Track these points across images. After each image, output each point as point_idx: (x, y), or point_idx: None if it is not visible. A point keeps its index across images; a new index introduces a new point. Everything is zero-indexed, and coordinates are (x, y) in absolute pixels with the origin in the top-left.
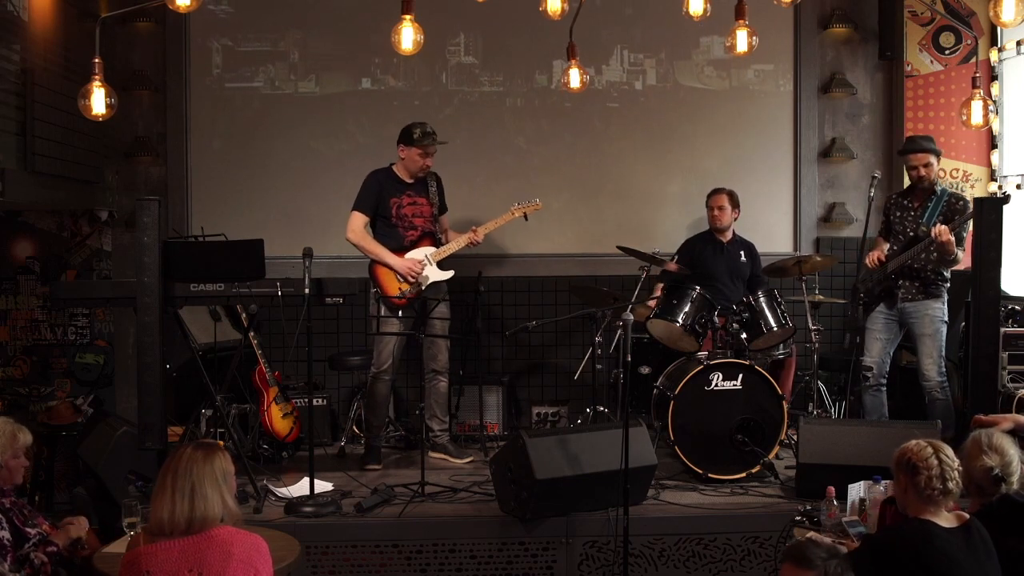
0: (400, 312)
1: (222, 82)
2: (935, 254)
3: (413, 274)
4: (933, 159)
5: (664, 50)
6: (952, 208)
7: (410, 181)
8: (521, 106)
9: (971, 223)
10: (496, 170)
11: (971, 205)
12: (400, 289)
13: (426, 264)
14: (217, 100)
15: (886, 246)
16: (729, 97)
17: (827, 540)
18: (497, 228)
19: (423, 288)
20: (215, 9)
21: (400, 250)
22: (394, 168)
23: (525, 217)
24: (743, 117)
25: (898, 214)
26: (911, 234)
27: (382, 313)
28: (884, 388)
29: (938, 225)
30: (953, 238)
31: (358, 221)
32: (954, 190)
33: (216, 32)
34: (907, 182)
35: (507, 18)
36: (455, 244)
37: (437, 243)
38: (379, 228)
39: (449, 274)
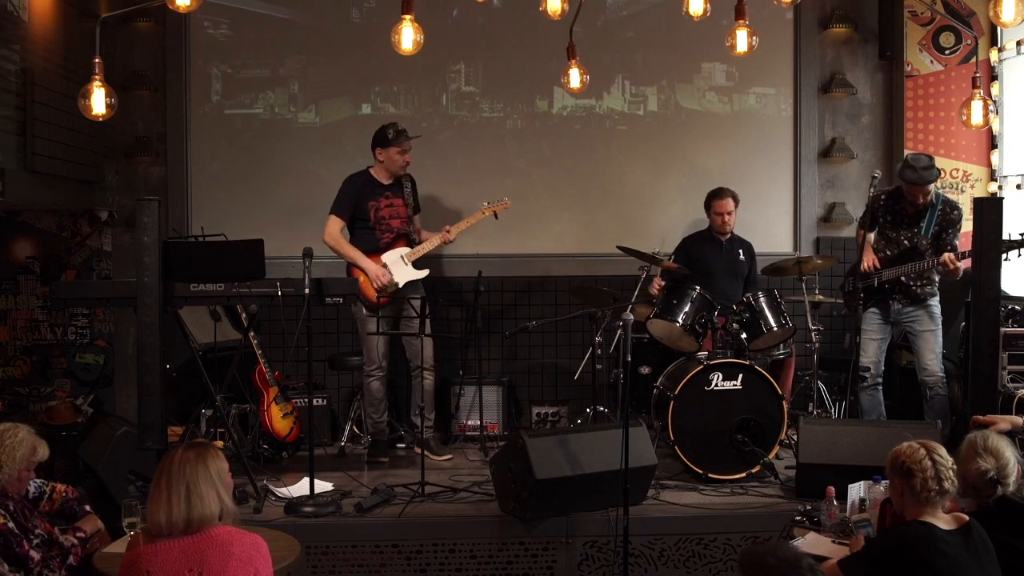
0: (380, 312)
1: (221, 108)
2: (940, 271)
3: (380, 284)
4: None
5: (665, 77)
6: (946, 217)
7: (387, 183)
8: (522, 128)
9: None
10: (496, 191)
11: (963, 213)
12: (375, 285)
13: (401, 264)
14: (216, 125)
15: (872, 236)
16: (730, 118)
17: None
18: (469, 227)
19: (400, 287)
20: (214, 33)
21: (375, 252)
22: (371, 171)
23: (495, 215)
24: (743, 119)
25: (889, 218)
26: (906, 243)
27: (364, 313)
28: (880, 387)
29: (946, 254)
30: (960, 266)
31: (335, 225)
32: (947, 194)
33: (216, 58)
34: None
35: (507, 45)
36: (429, 244)
37: (412, 243)
38: (356, 231)
39: (424, 273)
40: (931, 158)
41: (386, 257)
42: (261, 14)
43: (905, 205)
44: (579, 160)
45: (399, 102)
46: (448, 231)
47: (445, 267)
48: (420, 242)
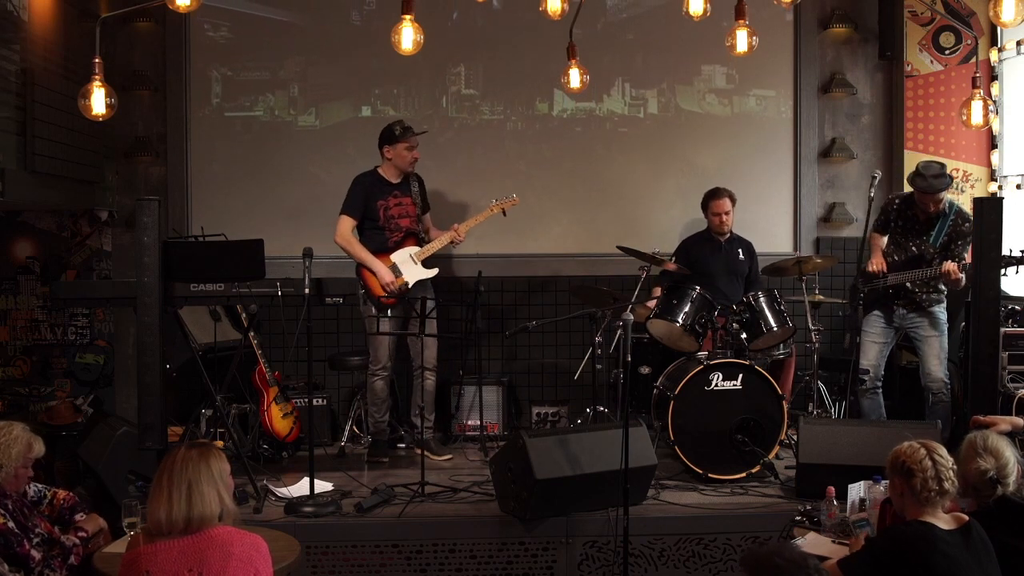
0: (389, 311)
1: (221, 111)
2: (943, 280)
3: (390, 288)
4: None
5: (665, 80)
6: (957, 229)
7: (396, 182)
8: (522, 130)
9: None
10: (497, 192)
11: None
12: (385, 289)
13: (410, 263)
14: (216, 126)
15: (883, 240)
16: (730, 120)
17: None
18: (478, 224)
19: (409, 287)
20: (214, 35)
21: (384, 251)
22: (379, 170)
23: (504, 212)
24: (743, 121)
25: (900, 223)
26: (914, 250)
27: (373, 312)
28: (880, 390)
29: (948, 263)
30: (963, 276)
31: (346, 225)
32: (960, 204)
33: (216, 60)
34: (907, 186)
35: (507, 47)
36: (438, 243)
37: (420, 242)
38: (365, 230)
39: (433, 272)
40: (943, 166)
41: (395, 257)
42: (261, 16)
43: (917, 212)
44: (579, 162)
45: (399, 104)
46: (457, 229)
47: (445, 267)
48: (429, 241)
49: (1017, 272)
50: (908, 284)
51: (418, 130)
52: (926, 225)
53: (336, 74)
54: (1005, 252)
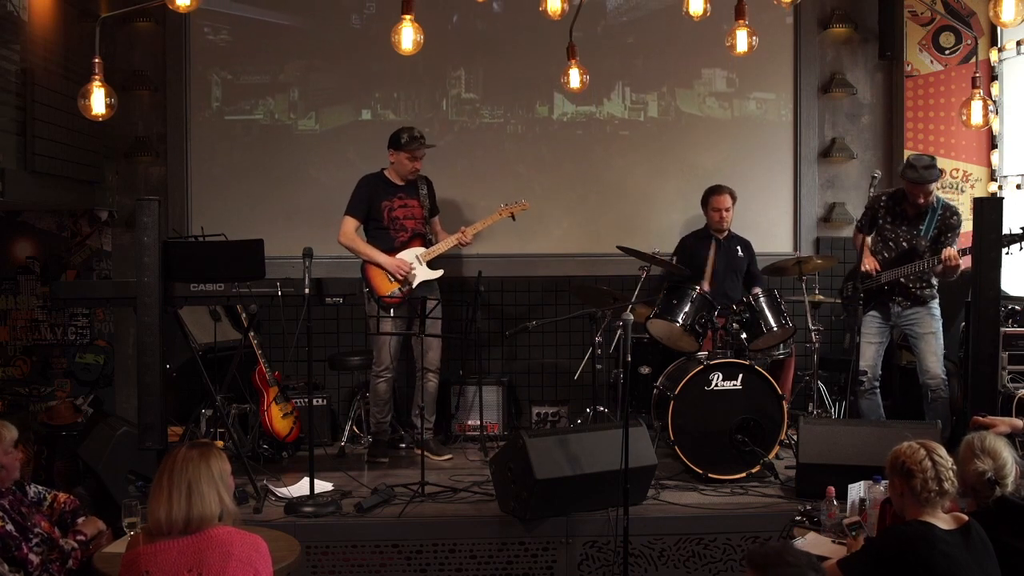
0: (393, 311)
1: (221, 114)
2: (939, 269)
3: (402, 273)
4: (935, 185)
5: (665, 83)
6: (945, 222)
7: (401, 184)
8: (522, 133)
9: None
10: (496, 194)
11: (962, 218)
12: (391, 289)
13: (416, 264)
14: (216, 129)
15: (868, 239)
16: (730, 123)
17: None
18: (486, 228)
19: (414, 287)
20: (215, 39)
21: (390, 251)
22: (385, 172)
23: (512, 217)
24: (743, 124)
25: (889, 219)
26: (905, 245)
27: (379, 312)
28: (878, 390)
29: (947, 250)
30: (960, 263)
31: (349, 225)
32: (947, 195)
33: (216, 63)
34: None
35: (507, 51)
36: (444, 244)
37: (427, 244)
38: (371, 231)
39: (439, 273)
40: (933, 158)
41: (401, 257)
42: (261, 20)
43: (906, 207)
44: (580, 164)
45: (399, 108)
46: (464, 232)
47: (446, 267)
48: (437, 243)
49: (1021, 249)
50: (902, 279)
51: (430, 141)
52: (915, 220)
53: (336, 78)
54: (1005, 231)
